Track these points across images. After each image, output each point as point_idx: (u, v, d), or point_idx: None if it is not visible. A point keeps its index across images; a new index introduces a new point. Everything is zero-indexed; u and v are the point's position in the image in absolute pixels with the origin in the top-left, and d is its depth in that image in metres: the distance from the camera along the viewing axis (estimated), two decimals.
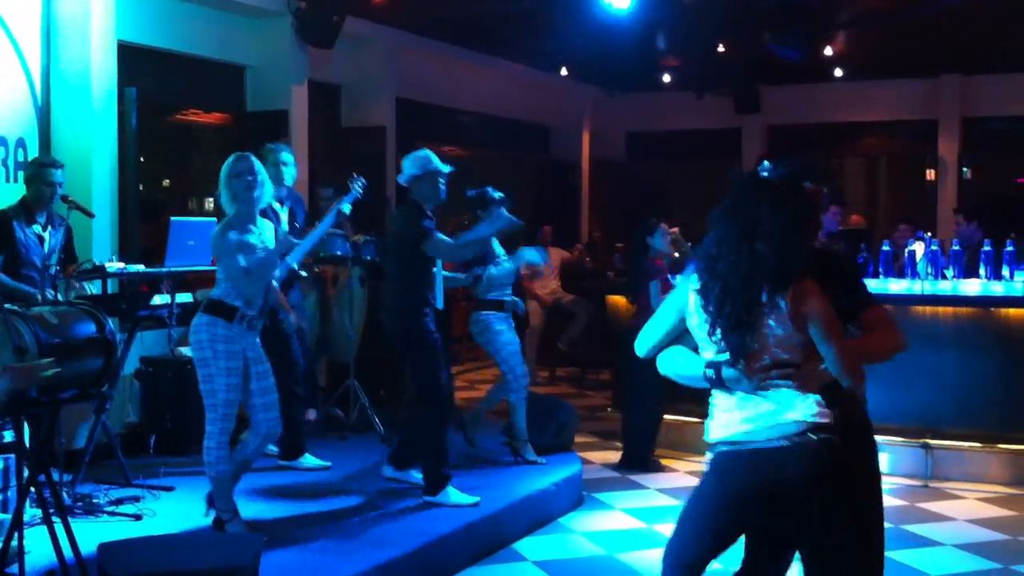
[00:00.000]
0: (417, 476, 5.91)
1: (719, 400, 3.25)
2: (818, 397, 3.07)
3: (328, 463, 6.51)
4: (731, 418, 3.19)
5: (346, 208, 6.42)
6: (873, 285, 7.03)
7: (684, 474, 7.48)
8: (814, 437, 3.05)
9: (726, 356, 3.12)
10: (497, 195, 6.63)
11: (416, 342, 5.72)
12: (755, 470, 3.12)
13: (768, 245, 3.04)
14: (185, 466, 6.17)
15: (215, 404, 4.88)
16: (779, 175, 3.37)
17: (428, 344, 5.70)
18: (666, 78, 14.53)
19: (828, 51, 12.76)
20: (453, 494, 5.66)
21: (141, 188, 8.38)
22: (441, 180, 5.82)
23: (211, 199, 10.03)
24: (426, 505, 5.66)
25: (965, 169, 14.56)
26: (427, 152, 5.87)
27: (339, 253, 7.63)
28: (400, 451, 6.07)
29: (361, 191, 6.52)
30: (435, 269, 5.86)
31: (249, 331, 4.94)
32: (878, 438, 3.20)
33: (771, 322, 3.05)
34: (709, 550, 3.27)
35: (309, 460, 6.48)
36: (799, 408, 3.08)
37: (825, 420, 3.06)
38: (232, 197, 4.92)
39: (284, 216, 6.47)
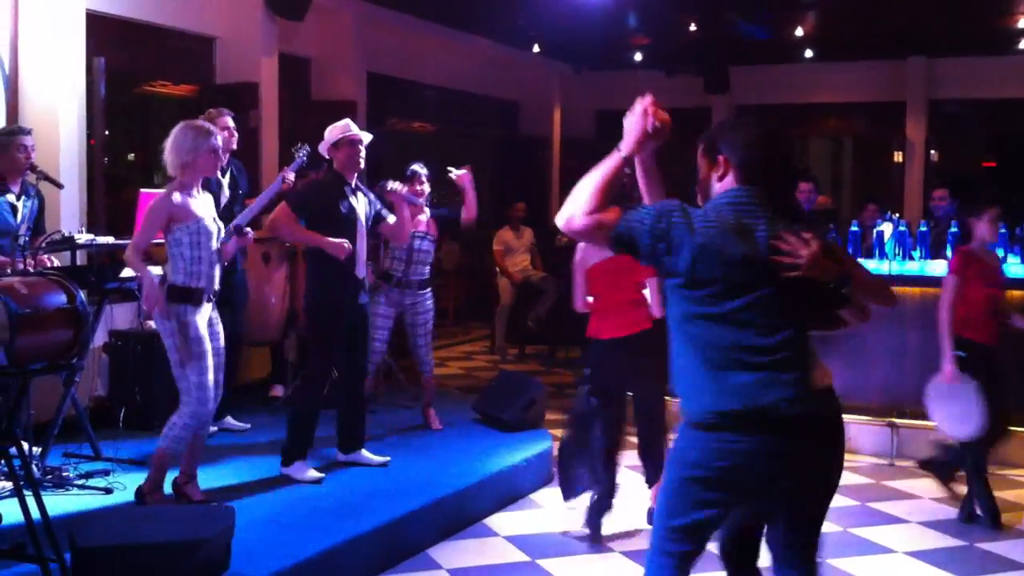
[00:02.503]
0: (367, 456, 5.94)
1: None
2: None
3: (247, 425, 6.75)
4: None
5: (291, 177, 6.39)
6: None
7: None
8: None
9: None
10: (422, 171, 6.84)
11: (313, 318, 5.77)
12: None
13: None
14: (153, 440, 6.13)
15: (187, 389, 4.85)
16: None
17: (319, 322, 5.73)
18: (636, 56, 14.54)
19: (797, 32, 12.81)
20: (301, 470, 5.64)
21: (106, 161, 8.27)
22: (361, 148, 5.79)
23: None
24: (396, 479, 5.68)
25: (932, 152, 14.69)
26: (346, 120, 5.86)
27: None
28: (342, 435, 6.01)
29: (306, 159, 6.48)
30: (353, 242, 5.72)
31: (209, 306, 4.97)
32: (845, 417, 3.22)
33: None
34: None
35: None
36: None
37: None
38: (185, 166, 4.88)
39: (225, 183, 6.48)
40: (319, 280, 5.75)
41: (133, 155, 10.69)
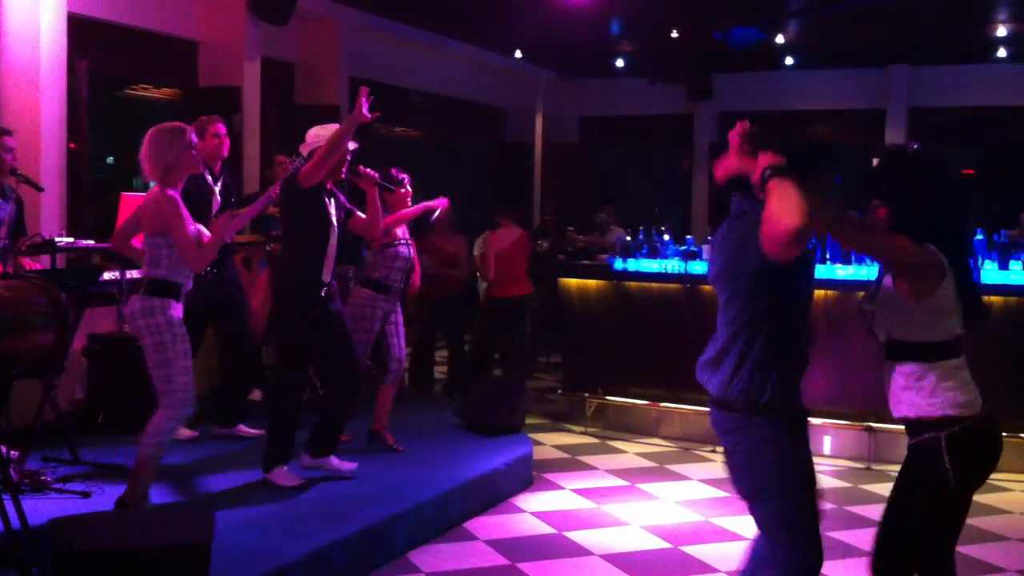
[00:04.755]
0: (336, 463, 5.87)
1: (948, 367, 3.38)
2: None
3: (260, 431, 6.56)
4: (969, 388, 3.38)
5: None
6: (822, 270, 7.15)
7: (634, 456, 7.58)
8: None
9: None
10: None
11: (303, 320, 5.68)
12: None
13: None
14: (133, 444, 6.12)
15: (172, 390, 4.79)
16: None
17: (315, 322, 5.65)
18: (620, 63, 14.60)
19: (780, 39, 12.88)
20: (283, 476, 5.62)
21: (88, 164, 8.25)
22: (347, 156, 5.77)
23: None
24: (378, 484, 5.68)
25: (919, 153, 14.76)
26: (335, 126, 5.81)
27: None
28: (315, 438, 5.92)
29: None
30: (326, 244, 5.68)
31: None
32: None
33: None
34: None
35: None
36: None
37: None
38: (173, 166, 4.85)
39: (217, 190, 6.46)
40: (289, 285, 5.71)
41: (113, 158, 10.65)
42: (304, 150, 5.85)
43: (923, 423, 3.38)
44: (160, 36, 9.06)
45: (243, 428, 6.70)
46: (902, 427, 3.52)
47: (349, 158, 5.78)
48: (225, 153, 6.56)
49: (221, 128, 6.51)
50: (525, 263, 9.41)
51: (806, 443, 3.39)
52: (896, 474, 3.57)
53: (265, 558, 4.46)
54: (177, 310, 4.81)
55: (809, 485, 3.36)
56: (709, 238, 8.77)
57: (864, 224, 3.55)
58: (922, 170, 3.49)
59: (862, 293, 3.62)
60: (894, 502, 3.50)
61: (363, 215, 6.01)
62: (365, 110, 5.42)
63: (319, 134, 5.82)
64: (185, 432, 6.35)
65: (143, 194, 5.25)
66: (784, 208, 2.97)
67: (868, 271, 7.25)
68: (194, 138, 4.92)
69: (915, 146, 3.85)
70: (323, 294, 5.65)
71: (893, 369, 3.46)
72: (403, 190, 6.66)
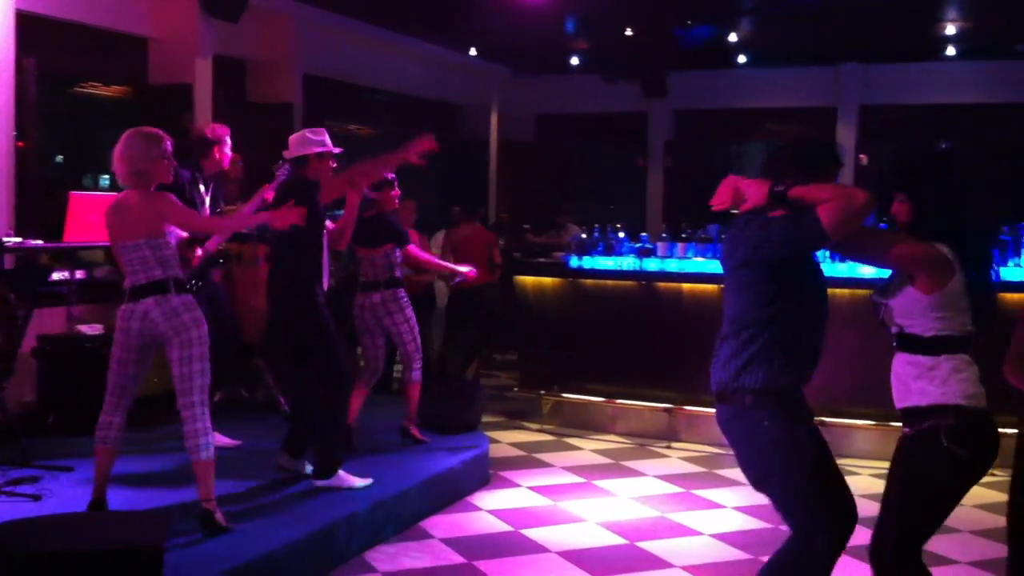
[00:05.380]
0: (310, 467, 5.84)
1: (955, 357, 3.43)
2: None
3: (239, 441, 6.47)
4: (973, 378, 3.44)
5: (271, 196, 6.31)
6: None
7: (590, 453, 7.60)
8: None
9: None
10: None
11: (306, 321, 5.64)
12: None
13: None
14: (85, 448, 6.04)
15: (206, 383, 4.77)
16: None
17: (319, 322, 5.63)
18: (575, 61, 14.62)
19: (733, 38, 12.97)
20: (346, 477, 5.63)
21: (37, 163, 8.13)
22: (332, 162, 5.76)
23: (107, 176, 9.79)
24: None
25: (861, 156, 14.93)
26: (323, 131, 5.82)
27: (243, 231, 7.54)
28: (292, 439, 5.90)
29: (286, 178, 6.42)
30: (323, 247, 5.72)
31: None
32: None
33: None
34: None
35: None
36: None
37: None
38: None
39: (207, 198, 6.34)
40: (293, 286, 5.64)
41: (62, 157, 10.50)
42: (288, 155, 5.78)
43: (933, 410, 3.41)
44: (110, 33, 8.94)
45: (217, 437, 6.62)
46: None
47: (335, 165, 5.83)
48: (227, 165, 6.47)
49: (226, 136, 6.42)
50: (484, 254, 9.50)
51: (808, 425, 3.50)
52: (849, 468, 3.62)
53: (218, 559, 4.42)
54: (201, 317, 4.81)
55: (818, 459, 3.45)
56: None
57: (872, 232, 3.62)
58: (948, 168, 3.54)
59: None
60: (892, 494, 3.54)
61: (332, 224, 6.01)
62: (414, 155, 5.68)
63: (305, 140, 5.75)
64: (224, 440, 6.28)
65: (94, 193, 5.17)
66: (840, 190, 3.26)
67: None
68: (168, 147, 4.83)
69: (945, 144, 3.96)
70: (322, 293, 5.68)
71: (904, 360, 3.50)
72: (393, 191, 6.71)
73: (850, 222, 3.25)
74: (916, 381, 3.46)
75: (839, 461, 3.66)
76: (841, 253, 3.62)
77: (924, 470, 3.44)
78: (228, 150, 6.39)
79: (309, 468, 5.82)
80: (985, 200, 3.59)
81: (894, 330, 3.53)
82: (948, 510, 3.49)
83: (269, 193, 6.02)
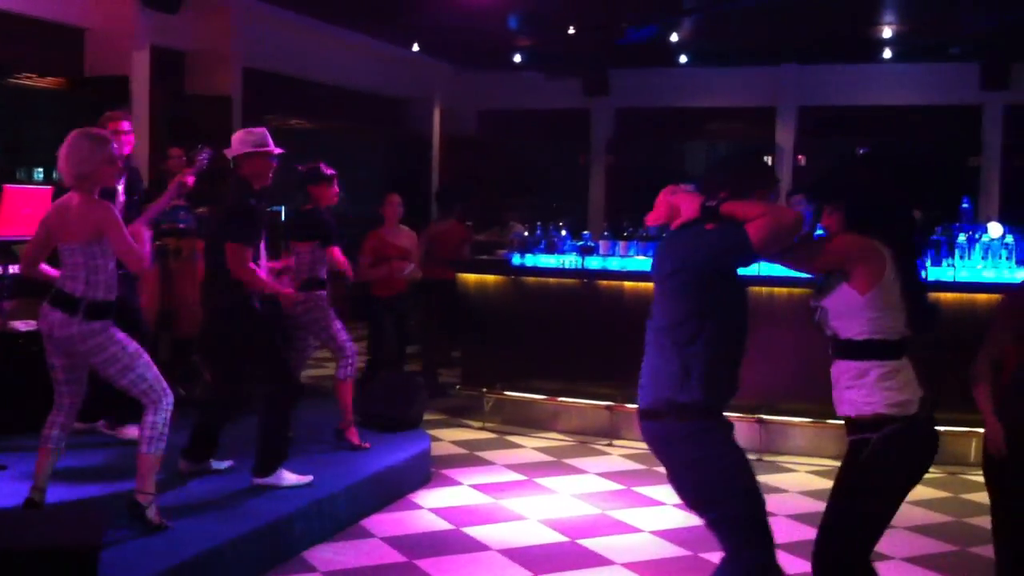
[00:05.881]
0: (218, 464, 5.78)
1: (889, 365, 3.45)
2: None
3: None
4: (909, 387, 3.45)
5: (191, 181, 6.22)
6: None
7: (532, 450, 7.62)
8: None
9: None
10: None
11: (245, 322, 5.57)
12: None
13: None
14: (18, 446, 5.93)
15: (148, 388, 4.67)
16: None
17: (258, 323, 5.57)
18: (517, 57, 14.63)
19: (675, 37, 13.06)
20: (286, 475, 5.58)
21: None
22: (273, 162, 5.70)
23: (41, 169, 9.61)
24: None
25: (799, 156, 15.14)
26: (264, 130, 5.75)
27: (182, 226, 7.46)
28: (195, 444, 5.78)
29: (207, 162, 6.34)
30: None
31: None
32: None
33: None
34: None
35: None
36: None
37: None
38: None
39: (120, 188, 6.26)
40: (240, 288, 5.54)
41: None
42: (230, 154, 5.69)
43: (860, 421, 3.46)
44: (45, 23, 8.78)
45: (131, 430, 6.52)
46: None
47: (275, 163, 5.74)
48: (127, 150, 6.35)
49: (124, 124, 6.30)
50: (448, 251, 9.41)
51: (736, 444, 3.50)
52: (785, 465, 3.66)
53: (156, 558, 4.36)
54: (114, 327, 4.67)
55: (752, 485, 3.44)
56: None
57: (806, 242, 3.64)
58: (870, 172, 3.61)
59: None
60: (832, 500, 3.57)
61: None
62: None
63: (244, 138, 5.68)
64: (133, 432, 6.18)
65: (28, 187, 5.06)
66: (770, 208, 3.33)
67: None
68: (114, 151, 4.73)
69: (862, 150, 4.02)
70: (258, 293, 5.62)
71: (838, 367, 3.54)
72: (331, 188, 6.63)
73: (779, 240, 3.34)
74: (847, 391, 3.50)
75: (777, 458, 3.71)
76: (779, 263, 3.64)
77: (856, 480, 3.49)
78: (126, 137, 6.28)
79: (224, 464, 5.79)
80: (908, 200, 3.66)
81: (829, 334, 3.57)
82: (885, 517, 3.53)
83: (190, 177, 5.94)
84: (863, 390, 3.44)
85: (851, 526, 3.49)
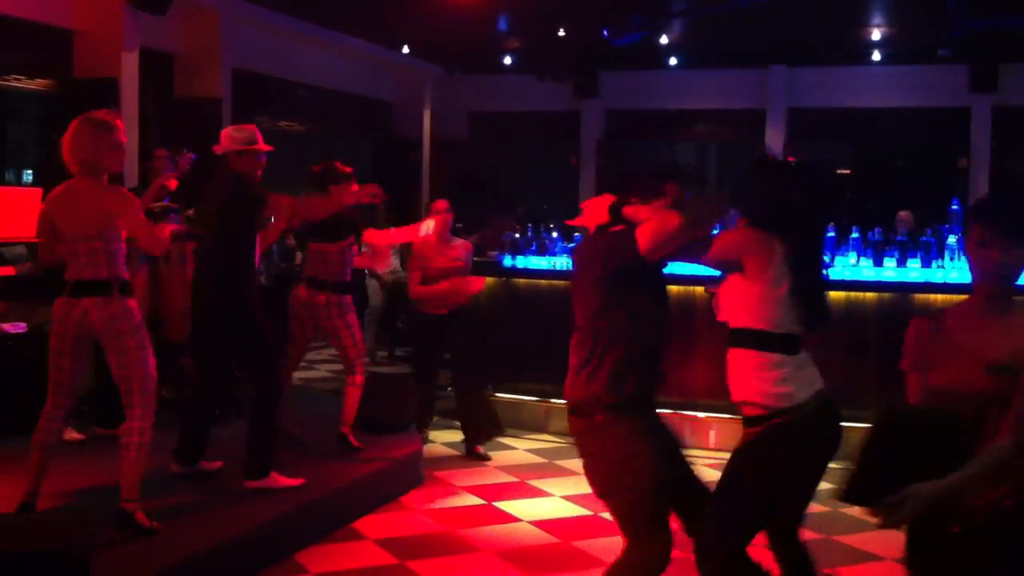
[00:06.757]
0: (208, 465, 5.75)
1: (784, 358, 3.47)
2: None
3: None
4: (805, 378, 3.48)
5: (171, 184, 6.19)
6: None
7: (524, 452, 7.60)
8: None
9: None
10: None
11: (241, 324, 5.56)
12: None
13: None
14: (5, 447, 5.90)
15: (146, 388, 4.67)
16: None
17: (253, 325, 5.55)
18: (507, 60, 14.64)
19: (664, 40, 13.08)
20: (277, 478, 5.55)
21: None
22: (262, 159, 5.68)
23: (31, 171, 9.58)
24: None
25: (790, 159, 15.15)
26: (254, 129, 5.73)
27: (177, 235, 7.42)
28: (184, 446, 5.77)
29: (188, 166, 6.32)
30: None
31: None
32: (706, 415, 3.42)
33: None
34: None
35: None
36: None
37: None
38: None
39: None
40: (237, 286, 5.55)
41: None
42: (218, 150, 5.68)
43: (746, 412, 3.53)
44: (33, 25, 8.74)
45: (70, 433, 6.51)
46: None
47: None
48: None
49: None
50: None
51: (656, 436, 3.60)
52: (703, 459, 3.70)
53: (146, 561, 4.35)
54: None
55: (646, 479, 3.50)
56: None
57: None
58: (775, 179, 3.64)
59: None
60: (715, 491, 3.62)
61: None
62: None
63: (233, 136, 5.66)
64: (73, 435, 6.15)
65: (16, 188, 5.03)
66: (659, 214, 3.44)
67: None
68: (123, 137, 4.69)
69: (770, 151, 4.06)
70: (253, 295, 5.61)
71: (729, 354, 3.58)
72: (352, 186, 6.48)
73: (665, 244, 3.43)
74: (734, 379, 3.57)
75: (696, 453, 3.77)
76: (681, 260, 3.71)
77: (735, 472, 3.55)
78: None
79: (214, 466, 5.77)
80: (820, 203, 3.70)
81: (721, 321, 3.63)
82: (762, 510, 3.54)
83: (173, 182, 5.92)
84: (747, 378, 3.51)
85: (726, 518, 3.53)
